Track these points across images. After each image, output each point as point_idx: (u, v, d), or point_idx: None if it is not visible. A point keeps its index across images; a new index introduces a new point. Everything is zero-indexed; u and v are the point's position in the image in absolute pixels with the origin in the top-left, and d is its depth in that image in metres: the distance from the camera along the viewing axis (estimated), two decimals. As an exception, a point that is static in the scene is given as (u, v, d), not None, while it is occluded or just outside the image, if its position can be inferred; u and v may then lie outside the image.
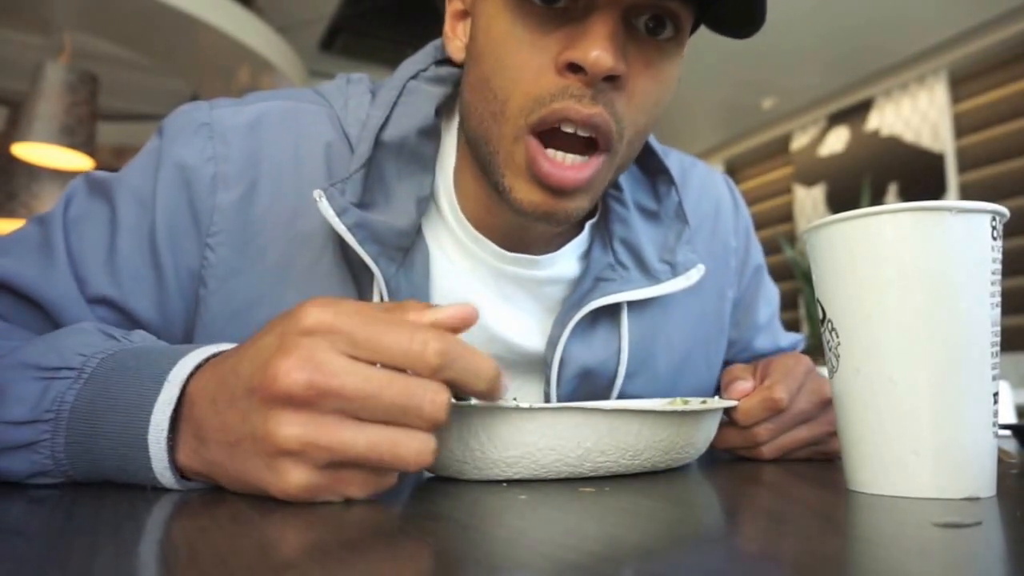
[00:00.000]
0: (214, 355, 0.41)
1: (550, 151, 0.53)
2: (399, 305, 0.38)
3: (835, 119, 4.25)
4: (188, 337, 0.58)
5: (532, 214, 0.55)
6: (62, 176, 3.20)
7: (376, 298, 0.58)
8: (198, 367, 0.39)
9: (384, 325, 0.35)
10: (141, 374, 0.40)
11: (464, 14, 0.61)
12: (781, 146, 4.62)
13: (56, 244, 0.56)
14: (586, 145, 0.54)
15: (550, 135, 0.53)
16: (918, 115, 3.84)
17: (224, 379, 0.37)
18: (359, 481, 0.36)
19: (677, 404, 0.54)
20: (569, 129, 0.53)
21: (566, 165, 0.54)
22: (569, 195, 0.55)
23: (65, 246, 0.56)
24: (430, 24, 3.77)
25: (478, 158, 0.58)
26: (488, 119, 0.55)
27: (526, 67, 0.53)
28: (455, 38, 0.62)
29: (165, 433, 0.38)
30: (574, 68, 0.51)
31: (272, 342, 0.35)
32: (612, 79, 0.52)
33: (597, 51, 0.50)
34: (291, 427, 0.33)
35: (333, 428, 0.34)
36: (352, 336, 0.35)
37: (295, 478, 0.34)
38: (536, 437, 0.42)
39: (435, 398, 0.35)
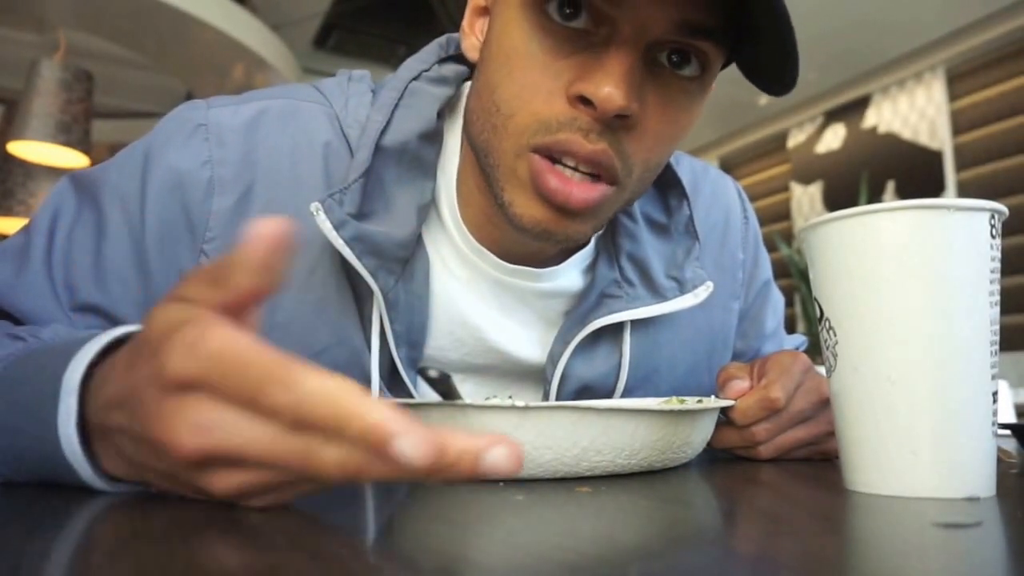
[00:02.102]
0: (113, 343, 0.36)
1: (558, 166, 0.52)
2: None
3: (832, 116, 4.25)
4: None
5: (531, 231, 0.54)
6: (58, 173, 3.18)
7: (375, 312, 0.57)
8: (94, 364, 0.36)
9: (262, 382, 0.27)
10: (40, 381, 0.36)
11: (484, 11, 0.59)
12: (778, 143, 4.62)
13: (34, 252, 0.55)
14: (591, 175, 0.52)
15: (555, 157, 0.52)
16: (915, 112, 3.84)
17: (120, 410, 0.32)
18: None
19: (673, 403, 0.54)
20: (571, 163, 0.51)
21: (574, 182, 0.51)
22: (573, 215, 0.53)
23: (46, 253, 0.55)
24: (423, 21, 3.77)
25: (481, 168, 0.57)
26: (489, 130, 0.54)
27: (536, 88, 0.51)
28: (471, 35, 0.60)
29: (78, 448, 0.34)
30: (584, 100, 0.49)
31: (147, 396, 0.30)
32: (623, 118, 0.50)
33: (610, 88, 0.48)
34: (220, 482, 0.30)
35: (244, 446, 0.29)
36: (236, 389, 0.28)
37: (222, 485, 0.31)
38: (532, 436, 0.42)
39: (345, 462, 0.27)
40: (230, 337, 0.28)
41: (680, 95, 0.53)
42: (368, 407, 0.25)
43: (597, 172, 0.52)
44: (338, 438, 0.26)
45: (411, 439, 0.24)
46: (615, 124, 0.50)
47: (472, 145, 0.57)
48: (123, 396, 0.32)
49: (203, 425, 0.28)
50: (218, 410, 0.28)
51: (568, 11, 0.50)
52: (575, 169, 0.51)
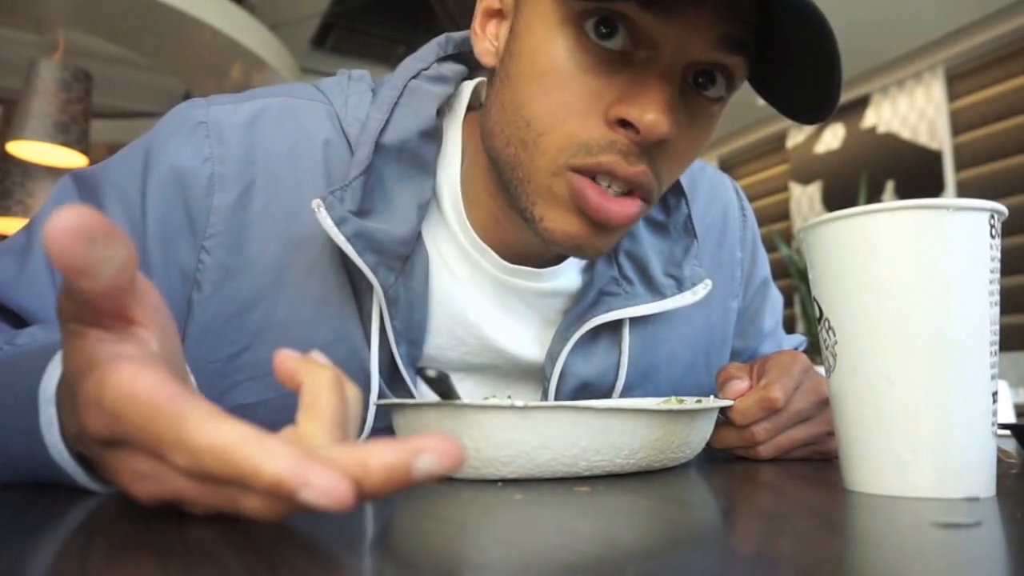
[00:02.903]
0: None
1: (598, 181, 0.52)
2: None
3: (831, 116, 4.25)
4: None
5: (563, 244, 0.54)
6: (56, 173, 3.19)
7: (375, 307, 0.57)
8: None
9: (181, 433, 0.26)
10: (18, 391, 0.36)
11: (498, 13, 0.58)
12: (777, 143, 4.62)
13: (35, 249, 0.55)
14: (623, 193, 0.53)
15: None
16: (915, 112, 3.84)
17: (82, 445, 0.32)
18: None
19: (672, 403, 0.54)
20: (605, 183, 0.52)
21: (614, 199, 0.52)
22: (607, 231, 0.54)
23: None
24: (422, 21, 3.77)
25: (500, 178, 0.57)
26: (517, 145, 0.53)
27: (573, 108, 0.50)
28: (484, 38, 0.58)
29: (66, 452, 0.34)
30: (625, 123, 0.49)
31: (93, 448, 0.30)
32: (662, 142, 0.50)
33: (654, 115, 0.48)
34: (196, 509, 0.29)
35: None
36: (144, 446, 0.27)
37: (200, 511, 0.29)
38: (531, 436, 0.42)
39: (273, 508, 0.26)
40: (125, 387, 0.26)
41: (703, 115, 0.54)
42: (262, 460, 0.23)
43: (632, 189, 0.52)
44: (250, 490, 0.24)
45: (315, 490, 0.22)
46: (652, 148, 0.51)
47: (493, 156, 0.57)
48: (77, 434, 0.32)
49: (141, 474, 0.28)
50: (146, 461, 0.27)
51: (605, 31, 0.49)
52: (608, 187, 0.52)
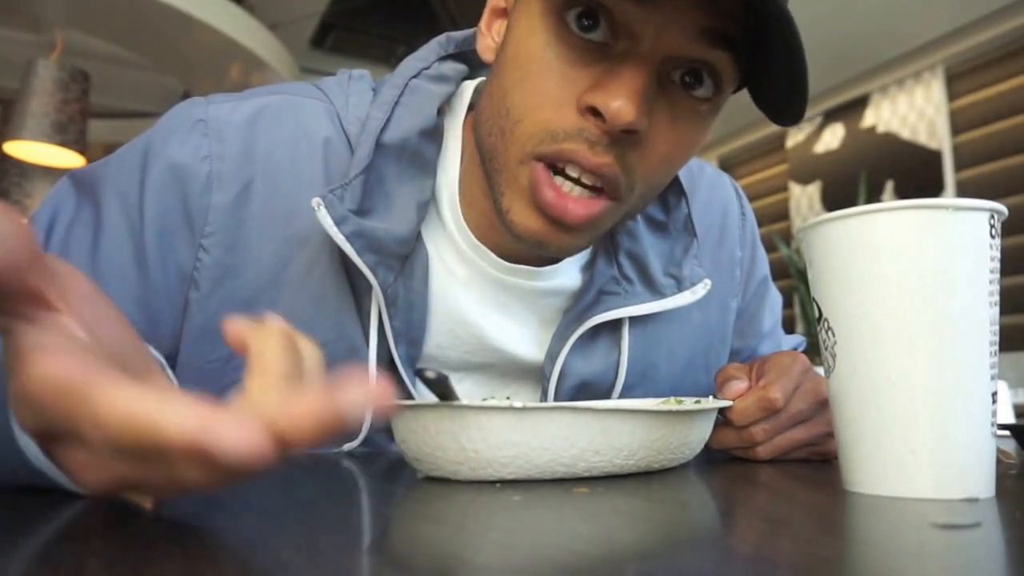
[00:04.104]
0: None
1: (558, 179, 0.52)
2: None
3: (830, 116, 4.25)
4: (176, 340, 0.57)
5: (526, 240, 0.54)
6: (54, 174, 3.19)
7: (374, 307, 0.57)
8: None
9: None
10: None
11: (503, 12, 0.59)
12: (776, 143, 4.62)
13: None
14: (592, 188, 0.52)
15: (559, 166, 0.52)
16: (914, 112, 3.84)
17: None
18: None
19: (671, 404, 0.54)
20: (574, 173, 0.51)
21: (572, 197, 0.52)
22: (568, 229, 0.53)
23: (45, 250, 0.55)
24: (421, 21, 3.77)
25: (485, 170, 0.57)
26: (496, 134, 0.54)
27: (547, 95, 0.51)
28: (488, 36, 0.59)
29: (42, 455, 0.33)
30: (594, 112, 0.49)
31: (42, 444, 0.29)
32: (631, 132, 0.50)
33: (621, 101, 0.48)
34: (156, 493, 0.29)
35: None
36: (69, 434, 0.26)
37: (161, 495, 0.29)
38: (530, 437, 0.41)
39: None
40: (42, 375, 0.25)
41: (690, 115, 0.53)
42: (167, 420, 0.22)
43: (600, 186, 0.52)
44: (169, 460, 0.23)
45: (225, 443, 0.21)
46: (622, 139, 0.50)
47: (479, 147, 0.57)
48: None
49: (81, 463, 0.27)
50: (79, 448, 0.26)
51: (587, 23, 0.50)
52: (577, 181, 0.51)
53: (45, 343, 0.27)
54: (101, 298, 0.32)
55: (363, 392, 0.23)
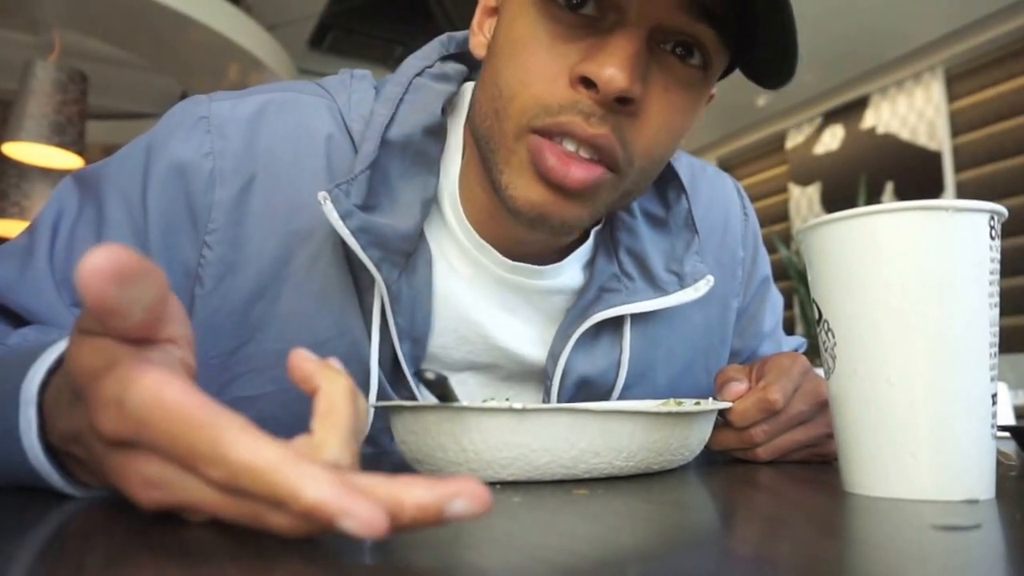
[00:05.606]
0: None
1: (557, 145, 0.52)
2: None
3: (830, 117, 4.25)
4: None
5: (528, 214, 0.54)
6: (52, 175, 3.18)
7: (377, 302, 0.57)
8: (53, 371, 0.35)
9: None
10: (1, 392, 0.35)
11: (494, 11, 0.60)
12: (776, 144, 4.63)
13: (37, 250, 0.55)
14: (590, 161, 0.52)
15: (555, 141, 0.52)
16: (914, 113, 3.84)
17: (77, 444, 0.32)
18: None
19: (671, 405, 0.54)
20: (571, 147, 0.51)
21: (574, 160, 0.51)
22: (571, 197, 0.53)
23: (48, 251, 0.55)
24: (419, 21, 3.77)
25: (481, 157, 0.57)
26: (491, 116, 0.54)
27: (539, 71, 0.51)
28: (480, 34, 0.60)
29: (43, 457, 0.34)
30: (587, 83, 0.49)
31: (96, 448, 0.29)
32: (625, 102, 0.50)
33: (613, 69, 0.48)
34: (195, 517, 0.29)
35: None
36: (170, 454, 0.26)
37: (198, 519, 0.29)
38: (529, 438, 0.41)
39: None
40: (152, 392, 0.26)
41: (683, 83, 0.53)
42: (303, 484, 0.23)
43: (597, 157, 0.52)
44: (283, 509, 0.24)
45: (355, 519, 0.22)
46: (617, 109, 0.50)
47: (475, 136, 0.58)
48: (75, 434, 0.31)
49: (153, 481, 0.27)
50: (163, 467, 0.26)
51: (575, 0, 0.51)
52: (575, 153, 0.52)
53: (149, 358, 0.29)
54: (188, 320, 0.33)
55: (469, 502, 0.24)
